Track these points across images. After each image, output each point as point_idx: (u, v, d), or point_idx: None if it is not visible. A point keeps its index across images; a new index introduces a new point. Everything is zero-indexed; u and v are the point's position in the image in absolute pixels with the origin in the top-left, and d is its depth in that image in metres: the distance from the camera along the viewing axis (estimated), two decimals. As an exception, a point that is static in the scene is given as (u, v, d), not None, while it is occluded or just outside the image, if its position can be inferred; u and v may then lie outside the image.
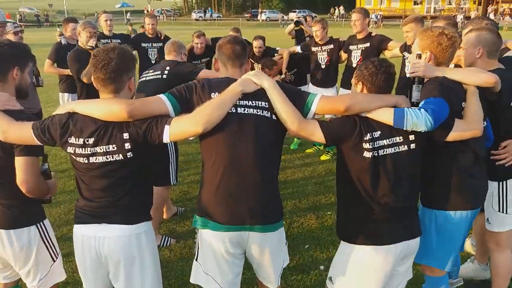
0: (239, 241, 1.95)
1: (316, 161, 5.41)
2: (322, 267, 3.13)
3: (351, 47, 4.94)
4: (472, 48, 2.32)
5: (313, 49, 5.24)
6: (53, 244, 2.16)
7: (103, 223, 1.88)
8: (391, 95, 2.01)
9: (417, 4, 47.70)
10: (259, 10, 50.57)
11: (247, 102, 1.90)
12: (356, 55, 4.86)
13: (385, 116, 1.90)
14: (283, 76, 5.29)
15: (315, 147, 5.82)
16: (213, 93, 1.90)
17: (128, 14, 46.68)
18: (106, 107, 1.79)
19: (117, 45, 1.87)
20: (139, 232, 1.92)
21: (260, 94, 1.92)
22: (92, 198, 1.90)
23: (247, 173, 1.88)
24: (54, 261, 2.17)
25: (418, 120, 1.86)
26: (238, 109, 1.88)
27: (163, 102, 1.86)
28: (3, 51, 1.96)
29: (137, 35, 5.82)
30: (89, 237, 1.89)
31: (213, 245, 1.95)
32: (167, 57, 3.54)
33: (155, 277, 2.01)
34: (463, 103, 2.10)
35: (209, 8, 53.92)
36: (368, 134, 1.91)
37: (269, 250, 1.99)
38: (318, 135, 1.94)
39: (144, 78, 3.42)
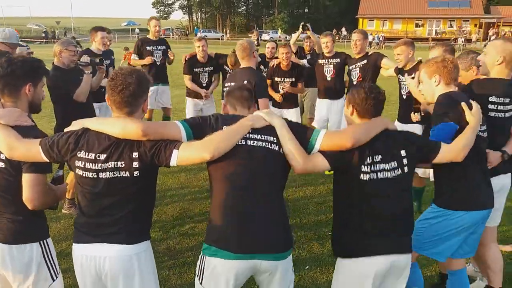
0: (249, 270, 1.96)
1: (317, 180, 5.40)
2: (322, 288, 3.10)
3: (350, 67, 5.13)
4: (495, 54, 2.50)
5: (320, 61, 5.44)
6: (54, 263, 2.14)
7: (103, 243, 1.88)
8: (381, 120, 2.13)
9: (419, 27, 48.19)
10: (263, 30, 51.64)
11: (256, 135, 1.98)
12: (354, 73, 5.05)
13: None
14: (281, 92, 5.37)
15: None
16: (225, 126, 1.98)
17: (137, 30, 47.42)
18: (121, 125, 1.83)
19: (135, 69, 1.91)
20: (139, 252, 1.92)
21: (269, 129, 2.01)
22: (94, 215, 1.90)
23: (257, 203, 1.93)
24: (53, 280, 2.14)
25: None
26: (248, 141, 1.96)
27: (177, 127, 1.93)
28: (15, 68, 1.97)
29: (190, 60, 5.63)
30: (89, 257, 1.89)
31: (220, 273, 1.94)
32: (242, 64, 3.52)
33: None
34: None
35: (195, 28, 55.47)
36: (368, 158, 2.01)
37: (278, 276, 2.02)
38: (321, 165, 2.02)
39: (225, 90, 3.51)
